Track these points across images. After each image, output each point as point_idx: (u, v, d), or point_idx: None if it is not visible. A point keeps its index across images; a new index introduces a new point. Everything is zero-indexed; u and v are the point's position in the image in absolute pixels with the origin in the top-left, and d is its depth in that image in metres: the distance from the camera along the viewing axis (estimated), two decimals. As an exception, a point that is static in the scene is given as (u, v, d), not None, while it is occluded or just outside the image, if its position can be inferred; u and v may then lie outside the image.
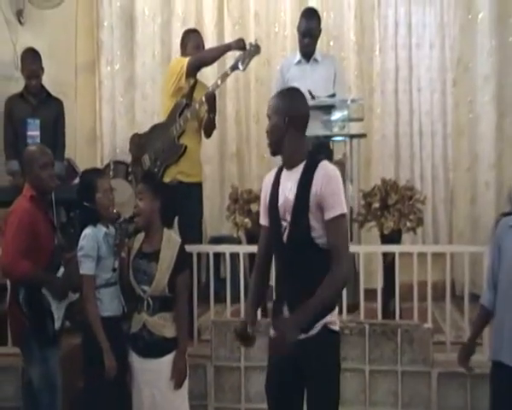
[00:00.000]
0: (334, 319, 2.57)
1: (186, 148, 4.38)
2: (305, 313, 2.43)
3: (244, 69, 4.37)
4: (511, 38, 5.33)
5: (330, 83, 4.69)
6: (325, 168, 2.55)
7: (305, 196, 2.50)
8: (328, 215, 2.48)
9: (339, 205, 2.50)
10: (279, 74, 4.87)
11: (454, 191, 5.57)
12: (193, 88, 4.48)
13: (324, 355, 2.51)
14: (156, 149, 4.48)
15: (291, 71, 4.76)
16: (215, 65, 4.92)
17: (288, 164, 2.59)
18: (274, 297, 2.66)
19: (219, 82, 4.36)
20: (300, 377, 2.55)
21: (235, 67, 4.34)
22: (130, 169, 4.90)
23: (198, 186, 4.48)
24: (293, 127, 2.59)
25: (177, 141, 4.40)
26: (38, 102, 4.82)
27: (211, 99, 4.34)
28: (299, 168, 2.56)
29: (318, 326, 2.50)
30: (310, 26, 4.65)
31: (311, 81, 4.61)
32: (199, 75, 4.66)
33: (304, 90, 4.48)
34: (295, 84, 4.60)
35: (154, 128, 4.58)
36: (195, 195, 4.37)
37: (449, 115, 5.56)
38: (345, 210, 2.52)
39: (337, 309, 2.63)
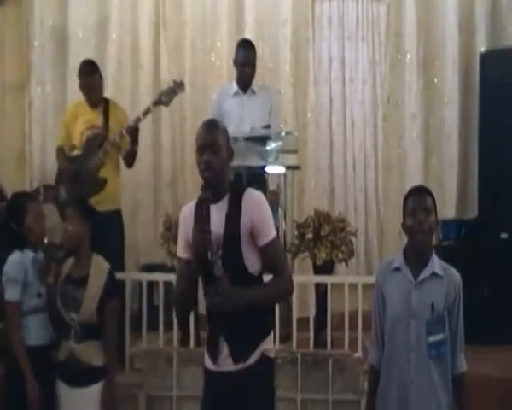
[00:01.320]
0: (270, 347, 2.61)
1: (106, 181, 4.34)
2: (246, 292, 2.46)
3: (167, 105, 4.44)
4: (436, 79, 5.55)
5: (267, 114, 4.74)
6: (251, 196, 2.56)
7: (235, 228, 2.49)
8: (263, 241, 2.51)
9: (270, 229, 2.53)
10: (215, 103, 4.88)
11: (384, 224, 5.71)
12: (106, 111, 4.45)
13: (263, 382, 2.54)
14: (73, 182, 4.39)
15: (228, 102, 4.77)
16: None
17: (216, 197, 2.52)
18: (208, 330, 2.65)
19: (142, 117, 4.35)
20: (230, 404, 2.55)
21: (157, 103, 4.37)
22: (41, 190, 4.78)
23: (116, 214, 4.43)
24: (230, 160, 2.60)
25: (97, 174, 4.35)
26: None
27: (134, 132, 4.31)
28: (225, 200, 2.54)
29: (257, 354, 2.54)
30: (248, 56, 4.70)
31: (249, 112, 4.67)
32: (113, 96, 4.62)
33: (242, 121, 4.63)
34: (232, 116, 4.69)
35: (72, 160, 4.48)
36: (115, 223, 4.30)
37: (380, 150, 5.72)
38: (275, 233, 2.56)
39: (272, 336, 2.68)
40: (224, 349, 2.53)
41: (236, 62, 4.75)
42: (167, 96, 4.36)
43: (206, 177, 2.50)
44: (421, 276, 2.68)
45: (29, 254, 3.34)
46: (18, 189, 4.76)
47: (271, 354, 2.61)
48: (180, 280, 2.58)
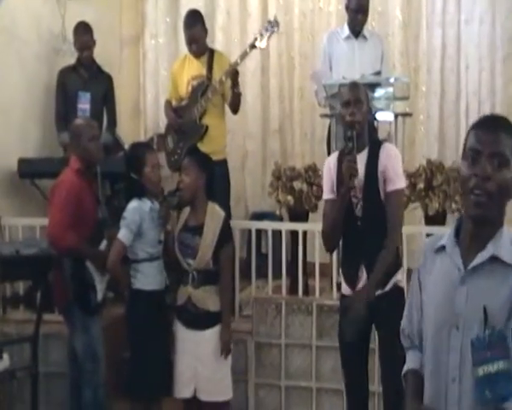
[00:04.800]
0: (401, 278, 3.02)
1: (207, 128, 4.39)
2: (374, 281, 2.89)
3: (264, 46, 4.37)
4: None
5: (378, 61, 4.62)
6: (388, 149, 2.97)
7: (374, 173, 2.90)
8: (390, 187, 2.89)
9: (400, 180, 2.92)
10: (326, 47, 4.75)
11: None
12: (211, 61, 4.47)
13: (394, 307, 2.63)
14: (179, 132, 4.50)
15: (338, 46, 4.69)
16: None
17: (359, 147, 2.86)
18: (346, 259, 3.07)
19: (239, 61, 4.33)
20: (369, 330, 3.00)
21: (253, 46, 4.33)
22: (155, 139, 4.91)
23: (223, 163, 4.47)
24: (369, 117, 3.07)
25: (199, 121, 4.41)
26: (89, 75, 4.91)
27: (233, 75, 4.29)
28: (365, 152, 2.93)
29: (391, 283, 2.93)
30: (362, 2, 4.57)
31: (359, 58, 4.57)
32: (223, 47, 4.58)
33: (352, 66, 4.55)
34: (343, 61, 4.61)
35: (178, 110, 4.57)
36: (220, 173, 4.32)
37: (498, 95, 5.42)
38: (404, 185, 2.99)
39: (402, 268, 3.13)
40: (363, 276, 2.91)
41: (349, 8, 4.63)
42: (262, 36, 4.31)
43: (351, 124, 2.89)
44: (475, 261, 1.67)
45: (147, 203, 3.46)
46: (133, 138, 4.99)
47: (402, 285, 3.01)
48: (327, 217, 2.99)
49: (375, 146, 2.97)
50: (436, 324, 1.72)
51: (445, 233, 1.79)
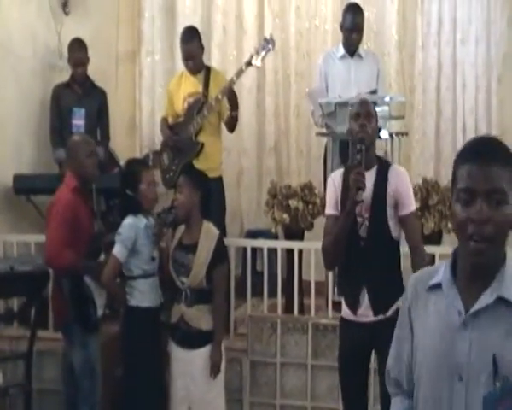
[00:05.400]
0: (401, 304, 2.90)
1: (203, 145, 4.39)
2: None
3: (259, 64, 4.39)
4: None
5: (373, 80, 4.64)
6: (397, 170, 2.95)
7: (382, 195, 2.85)
8: (405, 211, 2.86)
9: (412, 202, 2.91)
10: (321, 67, 4.78)
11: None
12: (207, 78, 4.48)
13: None
14: (174, 149, 4.50)
15: (334, 66, 4.71)
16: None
17: (366, 164, 2.81)
18: (348, 282, 2.96)
19: (235, 78, 4.35)
20: (370, 355, 2.95)
21: (249, 63, 4.35)
22: (150, 156, 4.91)
23: (218, 181, 4.46)
24: (378, 134, 3.19)
25: (195, 139, 4.41)
26: (83, 91, 4.90)
27: (231, 96, 4.30)
28: (373, 171, 2.88)
29: (393, 309, 2.81)
30: (356, 21, 4.59)
31: (355, 77, 4.59)
32: (218, 64, 4.60)
33: (348, 85, 4.56)
34: (339, 80, 4.63)
35: (174, 127, 4.57)
36: (216, 190, 4.29)
37: (493, 114, 5.45)
38: (415, 207, 2.94)
39: None
40: (365, 301, 2.84)
41: (344, 28, 4.65)
42: (258, 54, 4.33)
43: (360, 137, 2.83)
44: (478, 304, 1.47)
45: (142, 220, 3.45)
46: (129, 155, 4.98)
47: None
48: (328, 233, 2.90)
49: (384, 167, 2.92)
50: (433, 373, 1.50)
51: (437, 267, 1.60)
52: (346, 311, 2.94)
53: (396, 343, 1.67)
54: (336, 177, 3.00)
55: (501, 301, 1.45)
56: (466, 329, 1.47)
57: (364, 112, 2.89)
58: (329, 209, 2.97)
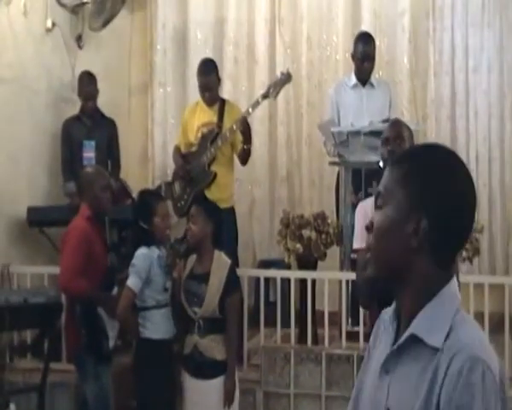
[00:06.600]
0: None
1: (216, 175, 4.40)
2: None
3: (275, 98, 4.45)
4: None
5: (386, 108, 4.65)
6: None
7: None
8: None
9: None
10: (333, 97, 4.80)
11: (511, 220, 5.41)
12: (222, 110, 4.50)
13: None
14: (186, 178, 4.51)
15: (346, 95, 4.72)
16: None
17: None
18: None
19: (250, 110, 4.39)
20: None
21: (265, 96, 4.38)
22: (162, 187, 4.90)
23: (230, 211, 4.46)
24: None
25: (208, 168, 4.43)
26: (93, 123, 4.95)
27: (245, 129, 4.31)
28: None
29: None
30: (368, 50, 4.61)
31: (368, 106, 4.60)
32: (230, 94, 4.63)
33: (361, 114, 4.56)
34: (351, 109, 4.63)
35: (187, 157, 4.60)
36: (228, 220, 4.28)
37: (507, 141, 5.42)
38: None
39: None
40: None
41: (355, 57, 4.67)
42: (275, 88, 4.37)
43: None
44: (398, 342, 1.26)
45: (155, 251, 3.45)
46: (141, 186, 5.00)
47: None
48: (361, 270, 2.61)
49: None
50: None
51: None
52: None
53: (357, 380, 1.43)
54: (368, 205, 2.72)
55: (414, 338, 1.22)
56: (387, 372, 1.26)
57: (394, 135, 2.76)
58: (361, 242, 2.57)
